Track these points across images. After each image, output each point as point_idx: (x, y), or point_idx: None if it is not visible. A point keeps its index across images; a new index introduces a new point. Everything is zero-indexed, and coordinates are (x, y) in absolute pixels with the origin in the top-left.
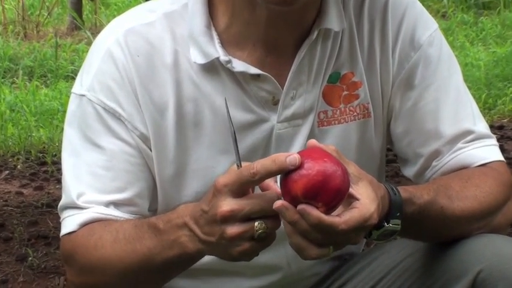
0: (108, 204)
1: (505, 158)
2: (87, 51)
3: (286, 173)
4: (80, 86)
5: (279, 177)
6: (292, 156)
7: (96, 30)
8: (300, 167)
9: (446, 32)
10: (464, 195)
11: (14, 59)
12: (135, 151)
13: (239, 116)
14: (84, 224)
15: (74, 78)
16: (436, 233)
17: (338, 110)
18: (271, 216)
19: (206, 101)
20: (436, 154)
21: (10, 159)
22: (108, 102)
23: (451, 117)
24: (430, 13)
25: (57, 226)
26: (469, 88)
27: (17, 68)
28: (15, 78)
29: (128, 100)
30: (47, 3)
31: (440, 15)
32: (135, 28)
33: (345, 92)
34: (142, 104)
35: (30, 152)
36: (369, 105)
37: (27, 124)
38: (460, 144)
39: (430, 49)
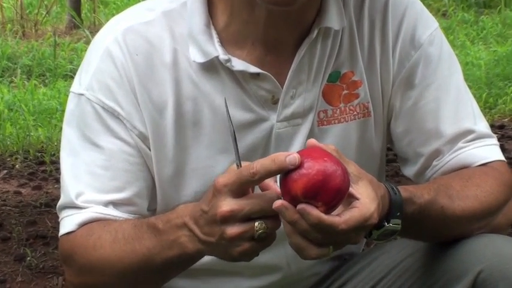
0: (107, 203)
1: (506, 157)
2: (85, 50)
3: (286, 173)
4: (78, 85)
5: (278, 176)
6: (292, 155)
7: (95, 29)
8: (299, 166)
9: (447, 31)
10: (465, 195)
11: (12, 57)
12: (134, 150)
13: (238, 115)
14: (83, 224)
15: (72, 77)
16: (436, 233)
17: (338, 109)
18: (271, 216)
19: (205, 100)
20: (437, 153)
21: (8, 159)
22: (107, 102)
23: (452, 116)
24: (431, 12)
25: (56, 226)
26: (470, 87)
27: (15, 67)
28: (13, 77)
29: (126, 99)
30: (45, 2)
31: (440, 14)
32: (134, 27)
33: (345, 91)
34: (141, 103)
35: (29, 151)
36: (369, 105)
37: (26, 123)
38: (460, 144)
39: (430, 48)
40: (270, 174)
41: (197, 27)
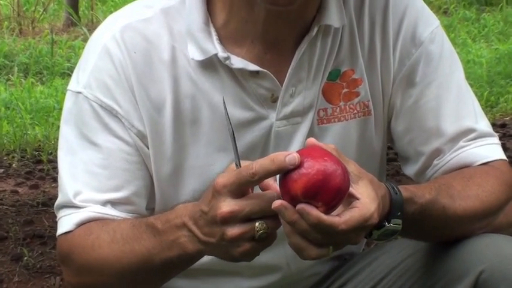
0: (105, 203)
1: (507, 156)
2: (83, 48)
3: (286, 172)
4: (76, 83)
5: (278, 175)
6: (291, 155)
7: (92, 26)
8: (299, 166)
9: (448, 28)
10: (466, 195)
11: (9, 55)
12: (132, 149)
13: (237, 113)
14: (81, 224)
15: (70, 75)
16: (437, 233)
17: (338, 108)
18: (272, 216)
19: (204, 98)
20: (438, 153)
21: (5, 158)
22: (104, 100)
23: (453, 115)
24: (432, 9)
25: (53, 225)
26: (471, 86)
27: (12, 65)
28: (10, 75)
29: (124, 97)
30: None
31: (441, 11)
32: (132, 24)
33: (345, 90)
34: (139, 101)
35: (26, 150)
36: (369, 103)
37: (23, 122)
38: (461, 143)
39: (431, 46)
40: (270, 174)
41: (196, 25)
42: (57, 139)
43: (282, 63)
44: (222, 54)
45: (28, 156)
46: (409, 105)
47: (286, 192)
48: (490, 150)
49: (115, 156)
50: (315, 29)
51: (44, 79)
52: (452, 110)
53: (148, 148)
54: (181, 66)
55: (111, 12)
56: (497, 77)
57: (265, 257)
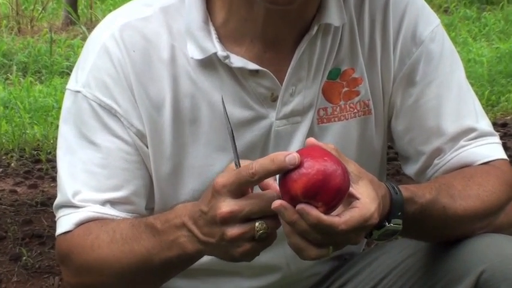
0: (104, 202)
1: (508, 156)
2: (82, 47)
3: (285, 172)
4: (75, 82)
5: (278, 175)
6: (291, 155)
7: (91, 25)
8: (299, 166)
9: (449, 27)
10: (466, 194)
11: (7, 54)
12: (132, 148)
13: (237, 112)
14: (80, 224)
15: (69, 74)
16: (438, 233)
17: (338, 107)
18: (272, 216)
19: (203, 97)
20: (438, 152)
21: (4, 157)
22: (103, 99)
23: (453, 114)
24: (432, 8)
25: (52, 225)
26: (472, 85)
27: (11, 64)
28: (9, 74)
29: (123, 96)
30: None
31: (442, 10)
32: (131, 23)
33: (345, 89)
34: (138, 100)
35: (24, 149)
36: (369, 102)
37: (21, 121)
38: (462, 142)
39: (431, 45)
40: (269, 174)
41: (195, 24)
42: (56, 138)
43: (281, 62)
44: (221, 53)
45: (27, 155)
46: (409, 104)
47: (286, 192)
48: (491, 149)
49: (114, 156)
50: (315, 28)
51: (42, 78)
52: (452, 109)
53: (147, 147)
54: (181, 65)
55: (110, 10)
56: (498, 76)
57: (265, 257)
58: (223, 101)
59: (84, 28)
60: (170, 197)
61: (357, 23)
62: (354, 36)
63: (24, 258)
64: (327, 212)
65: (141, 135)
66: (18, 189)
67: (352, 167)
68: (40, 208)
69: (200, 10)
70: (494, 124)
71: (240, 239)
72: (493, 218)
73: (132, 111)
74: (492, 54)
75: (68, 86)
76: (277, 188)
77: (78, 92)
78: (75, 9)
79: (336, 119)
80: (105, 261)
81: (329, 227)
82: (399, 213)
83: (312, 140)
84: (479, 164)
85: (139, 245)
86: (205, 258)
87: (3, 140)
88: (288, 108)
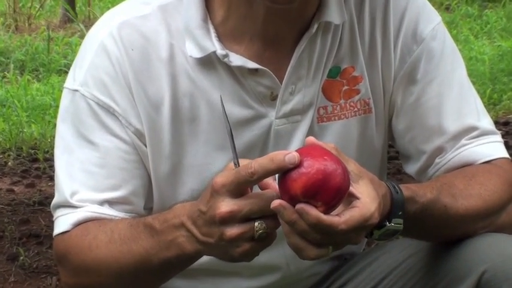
0: (102, 202)
1: (510, 154)
2: (80, 45)
3: (285, 172)
4: (72, 80)
5: (277, 175)
6: (291, 154)
7: (89, 23)
8: (299, 165)
9: (450, 25)
10: (468, 194)
11: (5, 52)
12: (130, 148)
13: (236, 111)
14: (78, 224)
15: (66, 73)
16: (439, 233)
17: (338, 106)
18: (271, 216)
19: (202, 96)
20: (439, 151)
21: (1, 156)
22: (101, 97)
23: (455, 112)
24: (433, 6)
25: (50, 224)
26: (473, 83)
27: (8, 62)
28: (6, 73)
29: (122, 95)
30: None
31: (443, 7)
32: (129, 21)
33: (345, 87)
34: (137, 99)
35: (22, 148)
36: (369, 101)
37: (19, 120)
38: (463, 141)
39: (432, 43)
40: (269, 173)
41: (194, 22)
42: (54, 137)
43: (281, 61)
44: (220, 51)
45: (24, 154)
46: (410, 102)
47: (285, 191)
48: (493, 148)
49: (112, 155)
50: (315, 26)
51: (40, 76)
52: (454, 107)
53: (146, 146)
54: (179, 63)
55: (109, 8)
56: (500, 74)
57: (265, 257)
58: (222, 101)
59: (82, 26)
60: (169, 196)
61: (357, 21)
62: (354, 35)
63: (21, 258)
64: (327, 211)
65: (139, 134)
66: (16, 188)
67: (352, 166)
68: (37, 207)
69: (199, 8)
70: (496, 123)
71: (239, 239)
72: (494, 218)
73: (131, 110)
74: (494, 52)
75: (65, 85)
76: (277, 187)
77: (76, 90)
78: (73, 7)
79: (336, 117)
80: (103, 262)
81: (329, 227)
82: (400, 213)
83: (311, 139)
84: (480, 163)
85: (137, 245)
86: (205, 258)
87: (0, 139)
88: (287, 107)
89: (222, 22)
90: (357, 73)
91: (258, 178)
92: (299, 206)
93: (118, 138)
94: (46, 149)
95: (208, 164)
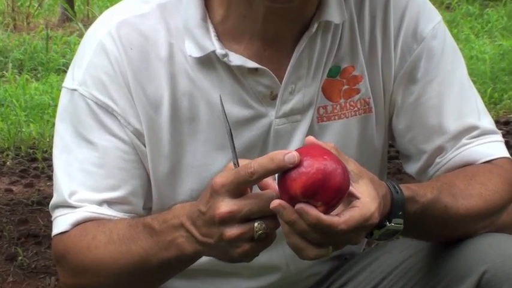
0: (101, 202)
1: (511, 154)
2: (79, 44)
3: (285, 171)
4: (71, 80)
5: (277, 174)
6: (290, 154)
7: (88, 21)
8: (298, 165)
9: (451, 24)
10: (468, 194)
11: (3, 51)
12: (129, 147)
13: (236, 111)
14: (77, 224)
15: (65, 72)
16: (439, 232)
17: (338, 105)
18: (271, 216)
19: (202, 96)
20: (440, 150)
21: None
22: (100, 97)
23: (455, 112)
24: (434, 4)
25: (48, 224)
26: (474, 82)
27: (7, 61)
28: (4, 72)
29: (120, 94)
30: None
31: (444, 6)
32: (128, 20)
33: (345, 87)
34: (136, 99)
35: (20, 148)
36: (370, 100)
37: (17, 119)
38: (464, 140)
39: (433, 42)
40: (269, 173)
41: (193, 21)
42: (53, 137)
43: (281, 60)
44: (220, 51)
45: (23, 154)
46: (410, 102)
47: (285, 191)
48: (493, 148)
49: (111, 155)
50: (315, 26)
51: (38, 75)
52: (454, 107)
53: (145, 146)
54: (179, 63)
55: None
56: (500, 74)
57: (264, 257)
58: (221, 100)
59: (80, 25)
60: (168, 196)
61: (357, 20)
62: (354, 34)
63: (20, 258)
64: (327, 211)
65: (138, 134)
66: (14, 188)
67: (352, 166)
68: (36, 207)
69: (198, 7)
70: (497, 122)
71: (239, 239)
72: (495, 218)
73: (130, 109)
74: (495, 51)
75: (64, 84)
76: (276, 187)
77: (75, 90)
78: (72, 6)
79: (336, 117)
80: (102, 262)
81: (328, 227)
82: (400, 213)
83: (311, 138)
84: (481, 163)
85: (136, 246)
86: (204, 259)
87: None
88: (287, 107)
89: (221, 21)
90: (357, 72)
91: (257, 178)
92: (299, 205)
93: (117, 138)
94: (45, 149)
95: (208, 163)
